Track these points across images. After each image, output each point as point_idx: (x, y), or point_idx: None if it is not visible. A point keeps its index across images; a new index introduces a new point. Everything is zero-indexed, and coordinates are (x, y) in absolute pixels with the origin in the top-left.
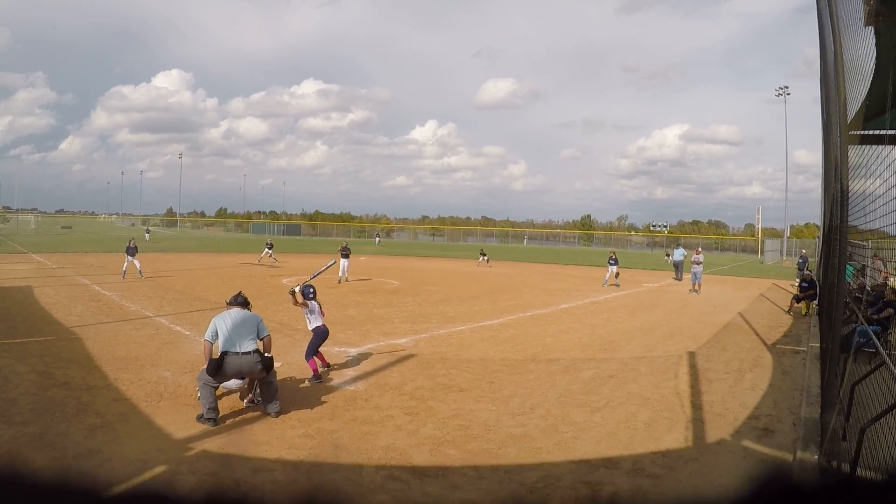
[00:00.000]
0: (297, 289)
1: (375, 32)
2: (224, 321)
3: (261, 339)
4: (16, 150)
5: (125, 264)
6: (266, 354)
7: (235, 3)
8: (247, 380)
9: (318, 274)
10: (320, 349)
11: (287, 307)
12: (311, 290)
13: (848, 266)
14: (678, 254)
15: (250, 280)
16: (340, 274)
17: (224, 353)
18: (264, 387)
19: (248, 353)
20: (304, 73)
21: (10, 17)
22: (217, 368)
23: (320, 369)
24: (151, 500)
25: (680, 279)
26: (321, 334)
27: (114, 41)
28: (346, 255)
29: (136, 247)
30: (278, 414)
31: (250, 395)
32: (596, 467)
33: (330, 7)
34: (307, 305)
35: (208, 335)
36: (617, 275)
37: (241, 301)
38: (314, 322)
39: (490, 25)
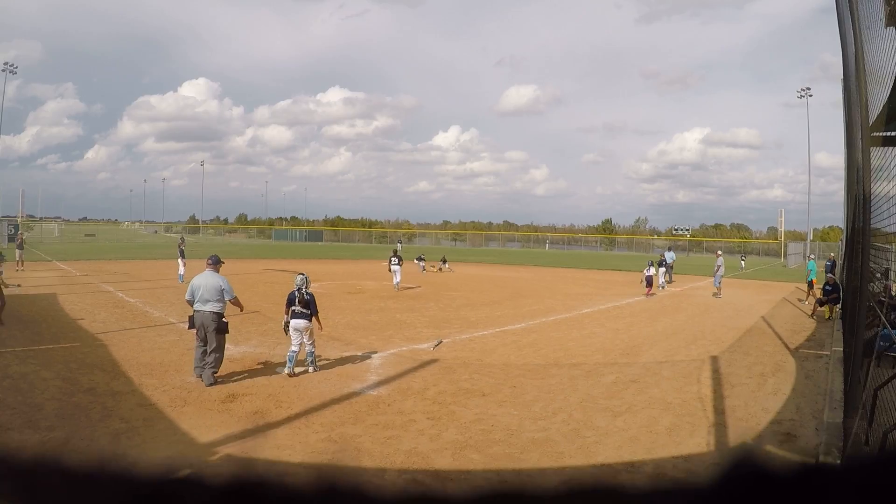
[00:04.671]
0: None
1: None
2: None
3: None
4: (42, 160)
5: (181, 268)
6: (223, 319)
7: (263, 14)
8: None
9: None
10: None
11: None
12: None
13: (810, 262)
14: (669, 256)
15: (272, 286)
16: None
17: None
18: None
19: (205, 311)
20: (330, 81)
21: (42, 29)
22: (192, 323)
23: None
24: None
25: (671, 280)
26: None
27: (142, 52)
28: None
29: (183, 250)
30: (211, 384)
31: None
32: (618, 472)
33: (357, 18)
34: None
35: (188, 296)
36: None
37: (214, 261)
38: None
39: (513, 33)
